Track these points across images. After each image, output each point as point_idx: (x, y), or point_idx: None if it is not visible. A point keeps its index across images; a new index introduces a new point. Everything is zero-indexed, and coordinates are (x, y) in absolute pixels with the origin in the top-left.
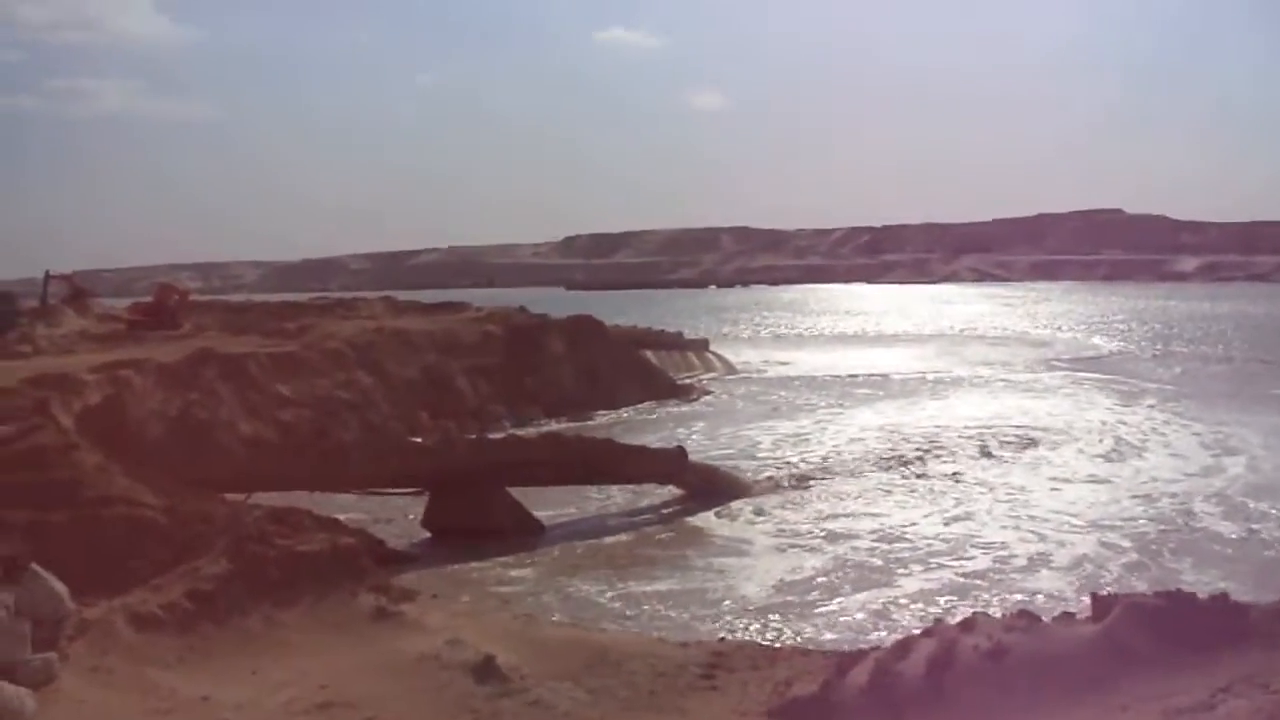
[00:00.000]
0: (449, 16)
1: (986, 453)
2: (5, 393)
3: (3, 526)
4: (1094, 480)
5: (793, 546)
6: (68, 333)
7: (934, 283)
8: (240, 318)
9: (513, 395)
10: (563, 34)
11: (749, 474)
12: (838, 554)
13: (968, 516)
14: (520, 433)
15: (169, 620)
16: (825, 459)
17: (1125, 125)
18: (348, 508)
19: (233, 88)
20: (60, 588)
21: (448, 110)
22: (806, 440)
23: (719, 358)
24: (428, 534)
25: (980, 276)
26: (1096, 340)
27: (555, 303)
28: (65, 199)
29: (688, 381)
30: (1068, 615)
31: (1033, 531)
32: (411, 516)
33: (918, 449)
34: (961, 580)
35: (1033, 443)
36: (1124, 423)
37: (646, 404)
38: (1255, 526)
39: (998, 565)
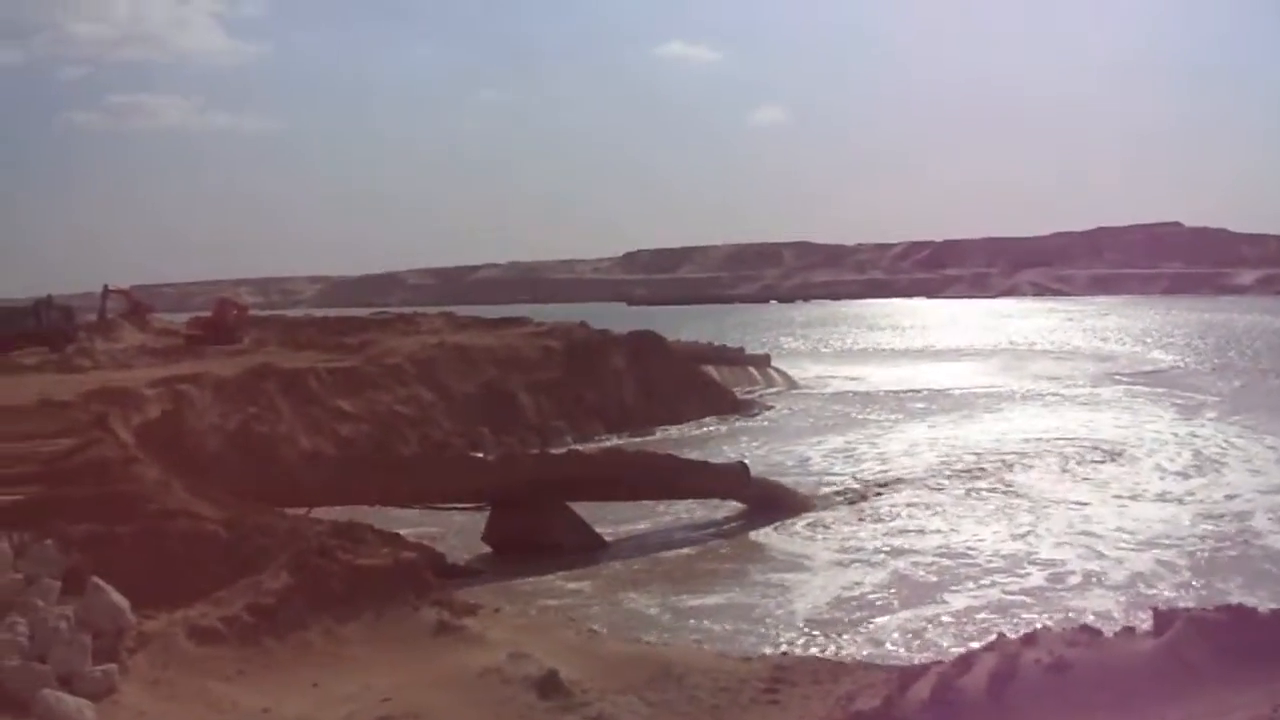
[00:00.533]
0: (510, 33)
1: (1048, 467)
2: (65, 407)
3: (64, 539)
4: (1154, 496)
5: (854, 561)
6: (126, 347)
7: (993, 297)
8: (299, 333)
9: (574, 411)
10: (622, 48)
11: (810, 488)
12: (898, 568)
13: (1029, 532)
14: (581, 448)
15: (229, 633)
16: (886, 473)
17: (1184, 137)
18: (408, 523)
19: (292, 102)
20: (121, 600)
21: (508, 126)
22: (867, 455)
23: (780, 373)
24: (489, 549)
25: (1040, 291)
26: (1156, 354)
27: (616, 318)
28: (125, 214)
29: (749, 396)
30: (1129, 630)
31: (1090, 548)
32: (473, 532)
33: (979, 464)
34: (1020, 596)
35: (1094, 457)
36: (1184, 436)
37: (708, 419)
38: None
39: (1052, 582)
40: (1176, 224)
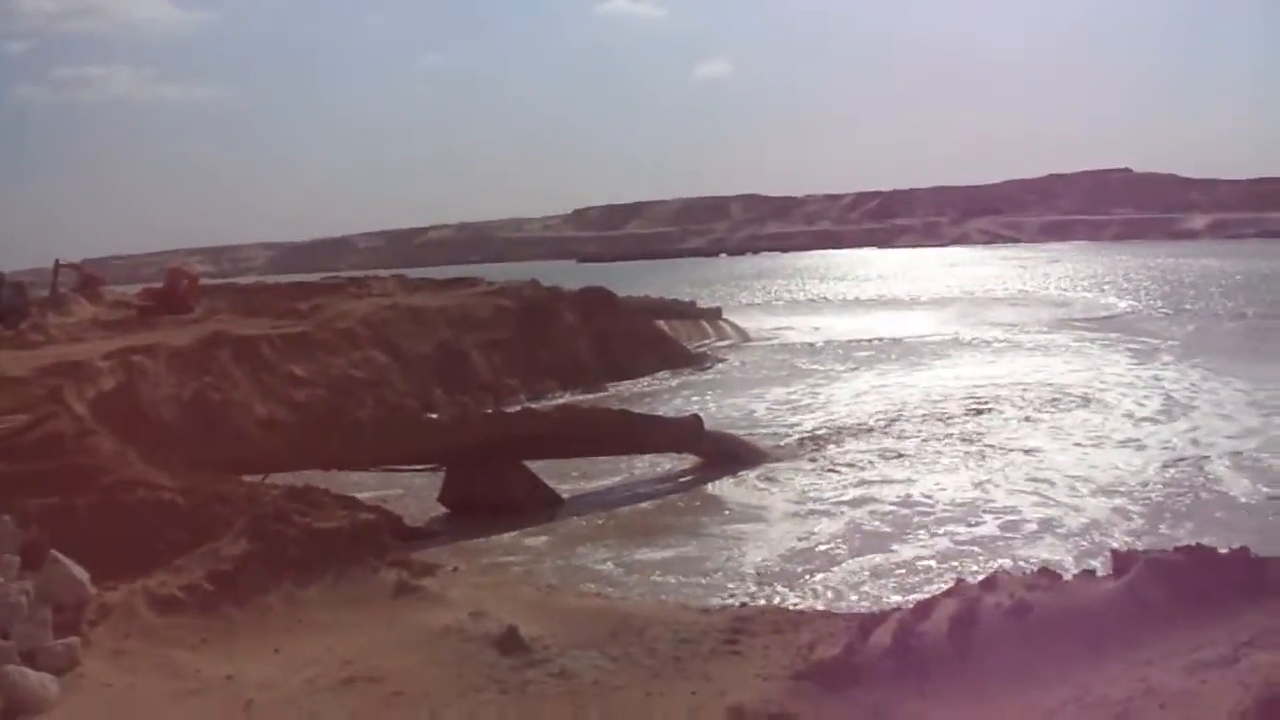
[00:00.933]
0: None
1: (1004, 414)
2: (19, 382)
3: (21, 514)
4: (1111, 441)
5: (810, 512)
6: (79, 320)
7: (944, 246)
8: (251, 300)
9: (527, 369)
10: (566, 7)
11: (766, 440)
12: (855, 518)
13: (986, 479)
14: (535, 406)
15: (190, 601)
16: (842, 423)
17: (1132, 84)
18: (365, 486)
19: (240, 71)
20: (80, 572)
21: (455, 89)
22: (822, 405)
23: (733, 325)
24: (445, 510)
25: (991, 238)
26: (1109, 299)
27: (567, 275)
28: (74, 187)
29: (702, 350)
30: (1088, 573)
31: (1047, 495)
32: (429, 493)
33: (934, 412)
34: (978, 544)
35: (1050, 403)
36: (1141, 381)
37: (661, 374)
38: (1271, 488)
39: (1010, 529)
40: (1126, 170)
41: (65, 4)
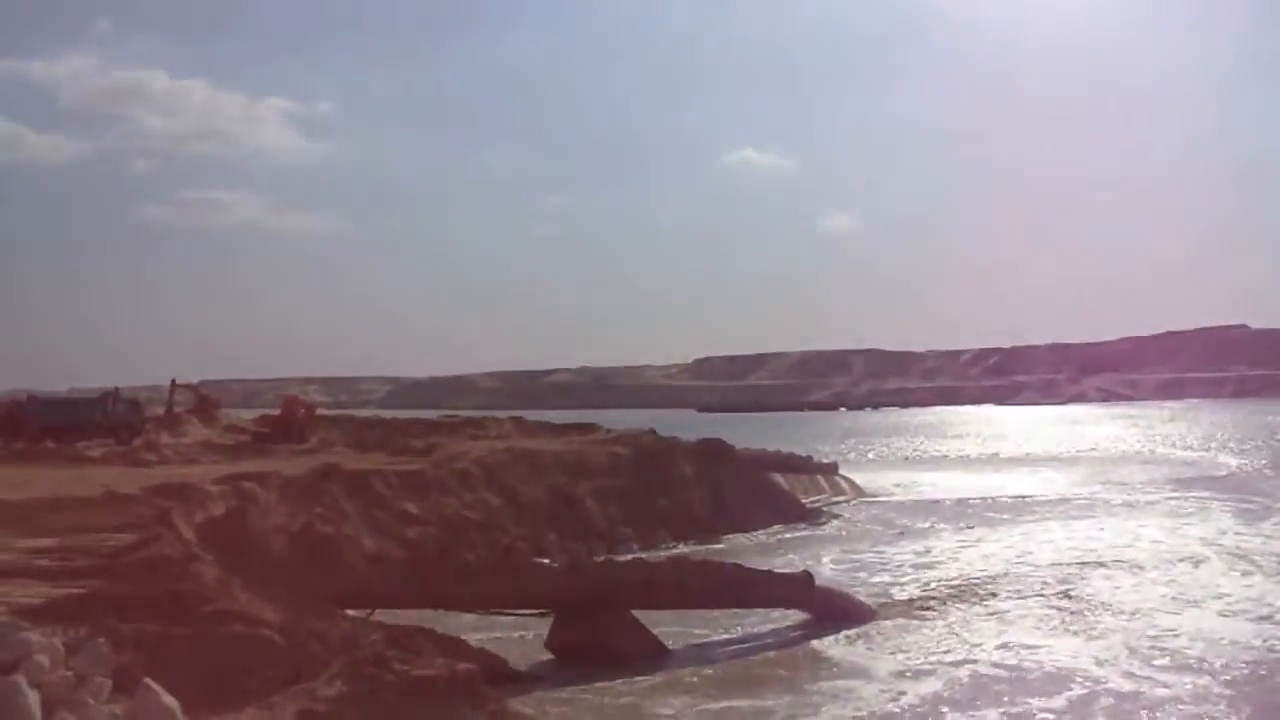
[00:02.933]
0: (578, 136)
1: (1112, 578)
2: (129, 500)
3: (118, 637)
4: (1232, 611)
5: (916, 671)
6: (192, 442)
7: (1062, 403)
8: (367, 434)
9: (640, 518)
10: (693, 154)
11: (875, 598)
12: (960, 679)
13: (1091, 647)
14: (647, 556)
15: None
16: (953, 584)
17: (1249, 236)
18: (471, 628)
19: (363, 202)
20: (172, 702)
21: (579, 231)
22: (932, 564)
23: (848, 481)
24: (551, 655)
25: (1107, 396)
26: (1223, 459)
27: (686, 424)
28: (195, 309)
29: (816, 505)
30: None
31: (1158, 666)
32: (536, 638)
33: (1043, 574)
34: (1091, 705)
35: (1160, 565)
36: (1250, 545)
37: (774, 527)
38: None
39: (1112, 700)
40: (1243, 326)
41: (192, 126)
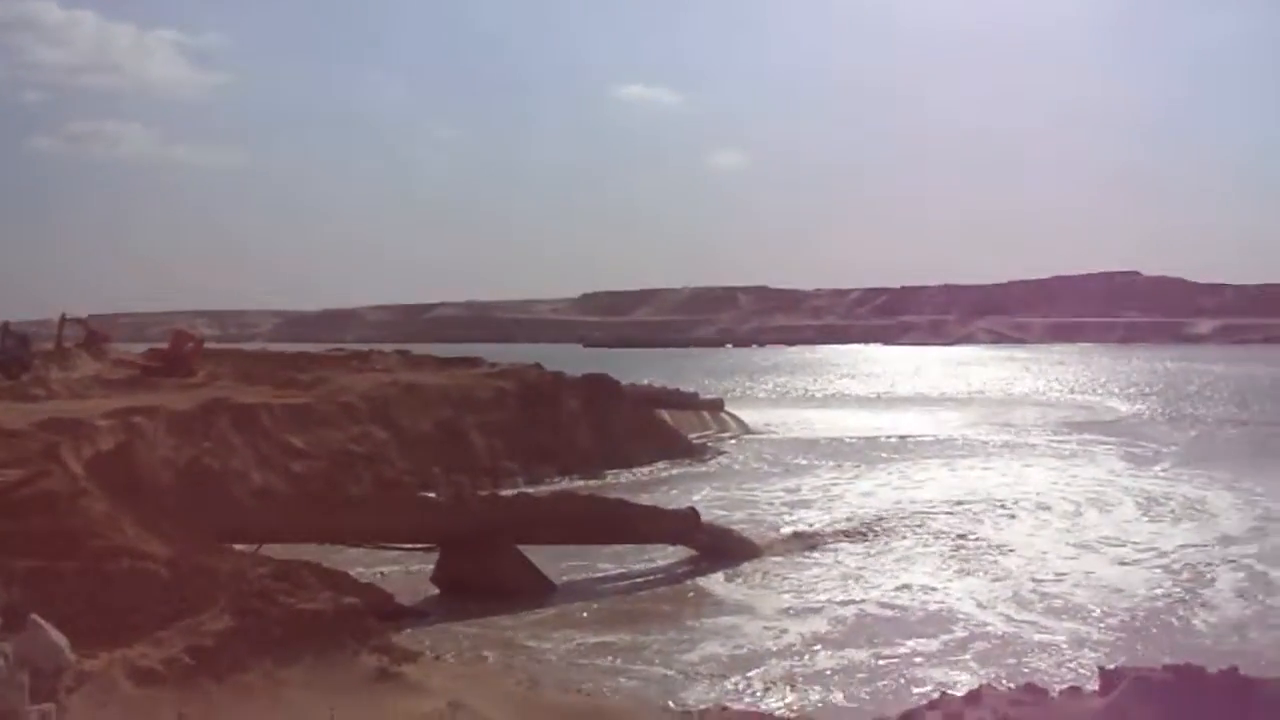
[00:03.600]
0: (472, 70)
1: (996, 518)
2: (16, 435)
3: (6, 573)
4: (1107, 550)
5: (798, 610)
6: (82, 377)
7: (950, 344)
8: (255, 367)
9: (526, 452)
10: (584, 89)
11: (761, 534)
12: (842, 618)
13: (977, 584)
14: (532, 490)
15: (169, 675)
16: (836, 521)
17: (1143, 186)
18: (359, 561)
19: (254, 135)
20: (60, 639)
21: (468, 163)
22: (818, 502)
23: (734, 418)
24: (437, 590)
25: (996, 338)
26: (1113, 404)
27: (571, 359)
28: (84, 242)
29: (702, 441)
30: (1075, 689)
31: (1039, 603)
32: (422, 572)
33: (927, 513)
34: (966, 651)
35: (1047, 509)
36: (1140, 488)
37: (660, 463)
38: (1265, 602)
39: (998, 637)
40: (1135, 273)
41: (84, 58)
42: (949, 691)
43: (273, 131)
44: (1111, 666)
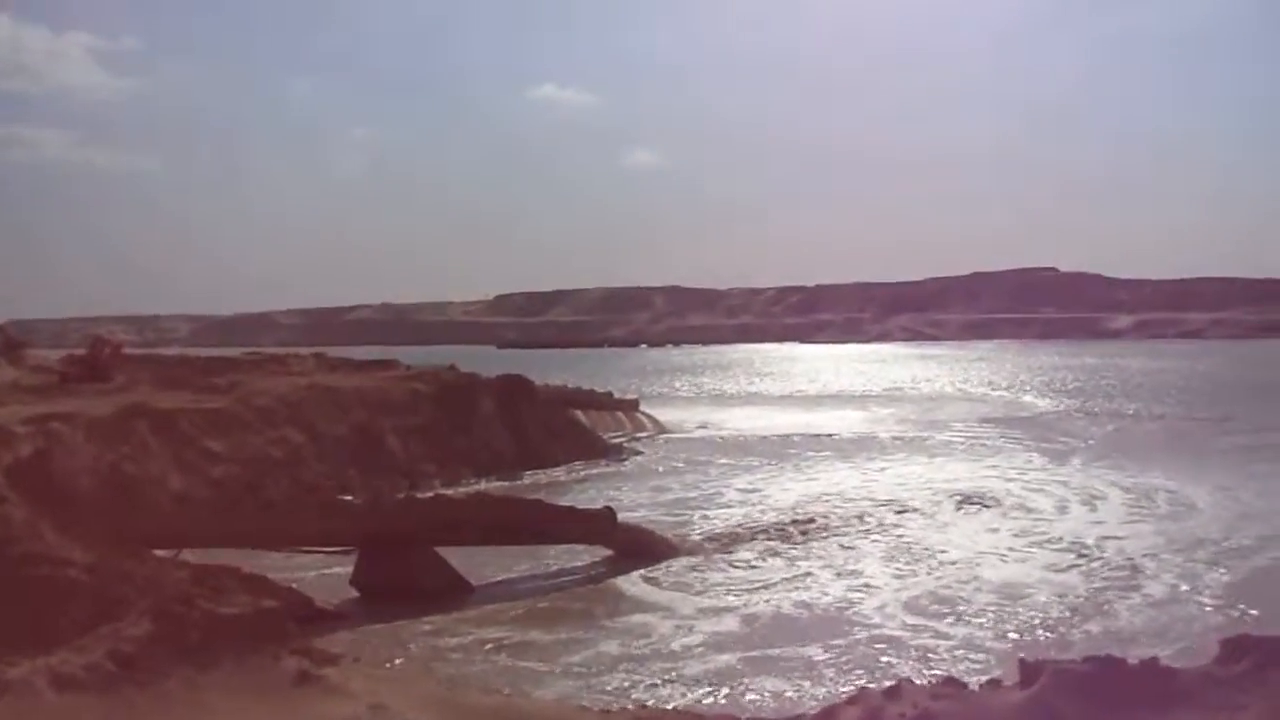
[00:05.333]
0: (383, 71)
1: (915, 515)
2: None
3: None
4: (1024, 544)
5: (720, 609)
6: None
7: (866, 342)
8: (173, 372)
9: (443, 454)
10: (495, 90)
11: (677, 534)
12: (760, 616)
13: (891, 582)
14: (449, 492)
15: (91, 681)
16: (752, 520)
17: (1060, 182)
18: (277, 566)
19: (168, 140)
20: None
21: (380, 166)
22: (735, 501)
23: (649, 418)
24: (356, 593)
25: (913, 336)
26: (1028, 399)
27: (486, 361)
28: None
29: (618, 441)
30: (995, 682)
31: (956, 597)
32: (342, 575)
33: (845, 511)
34: (885, 647)
35: (963, 504)
36: (1054, 483)
37: (576, 464)
38: (1185, 586)
39: (917, 633)
40: (1052, 269)
41: None
42: (867, 686)
43: (189, 135)
44: (1032, 659)
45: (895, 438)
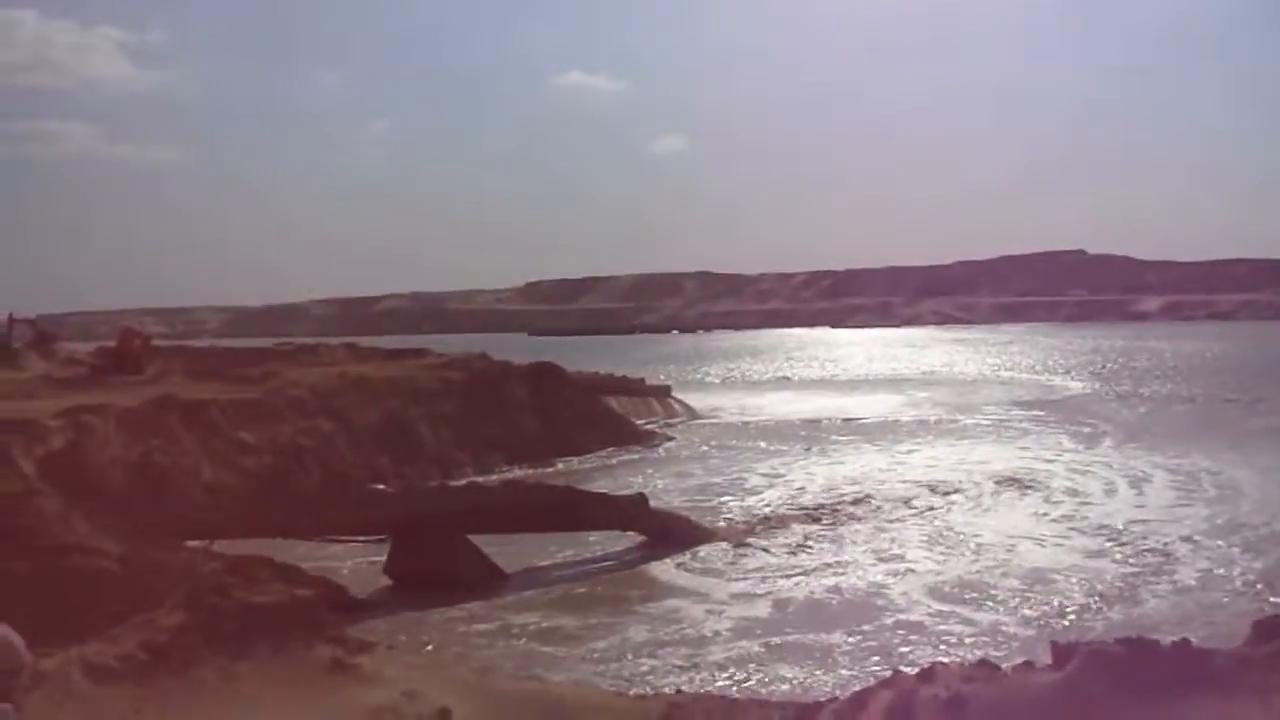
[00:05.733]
0: (411, 62)
1: (949, 499)
2: None
3: None
4: (1050, 527)
5: (751, 594)
6: (31, 376)
7: (897, 326)
8: (203, 363)
9: (474, 442)
10: (523, 78)
11: (710, 519)
12: (796, 600)
13: (927, 567)
14: (482, 480)
15: (125, 672)
16: (785, 504)
17: (1087, 165)
18: (310, 555)
19: (197, 131)
20: (15, 638)
21: (410, 156)
22: (767, 486)
23: (681, 403)
24: (389, 581)
25: (943, 319)
26: (1059, 381)
27: (518, 349)
28: (30, 242)
29: (650, 427)
30: (1028, 664)
31: (988, 583)
32: (375, 563)
33: (878, 496)
34: (914, 630)
35: (999, 489)
36: (1090, 465)
37: (608, 450)
38: (1219, 570)
39: (948, 618)
40: (1080, 251)
41: (23, 56)
42: (901, 669)
43: (216, 128)
44: (1064, 641)
45: (928, 421)
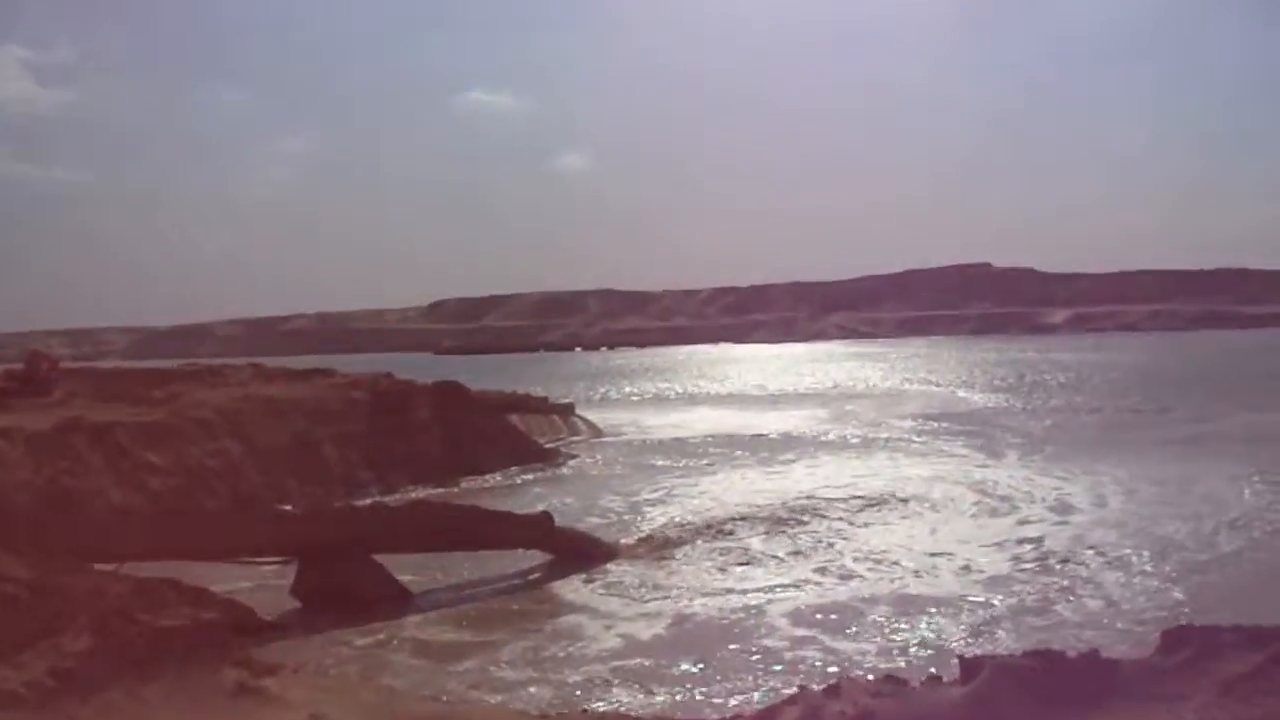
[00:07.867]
0: (314, 82)
1: (849, 515)
2: None
3: None
4: (957, 541)
5: (657, 613)
6: None
7: (801, 341)
8: (110, 385)
9: (380, 462)
10: (425, 97)
11: (614, 537)
12: (702, 617)
13: (829, 583)
14: (387, 500)
15: (31, 698)
16: (689, 522)
17: (993, 177)
18: (218, 577)
19: (102, 151)
20: None
21: (315, 175)
22: (673, 503)
23: (585, 421)
24: (297, 603)
25: (848, 334)
26: (964, 394)
27: (423, 368)
28: None
29: (554, 446)
30: (935, 678)
31: (893, 599)
32: (283, 585)
33: (783, 511)
34: (822, 648)
35: (899, 502)
36: (990, 479)
37: (513, 469)
38: (1128, 579)
39: (854, 633)
40: (986, 264)
41: None
42: (808, 686)
43: (121, 147)
44: (972, 656)
45: (833, 435)
